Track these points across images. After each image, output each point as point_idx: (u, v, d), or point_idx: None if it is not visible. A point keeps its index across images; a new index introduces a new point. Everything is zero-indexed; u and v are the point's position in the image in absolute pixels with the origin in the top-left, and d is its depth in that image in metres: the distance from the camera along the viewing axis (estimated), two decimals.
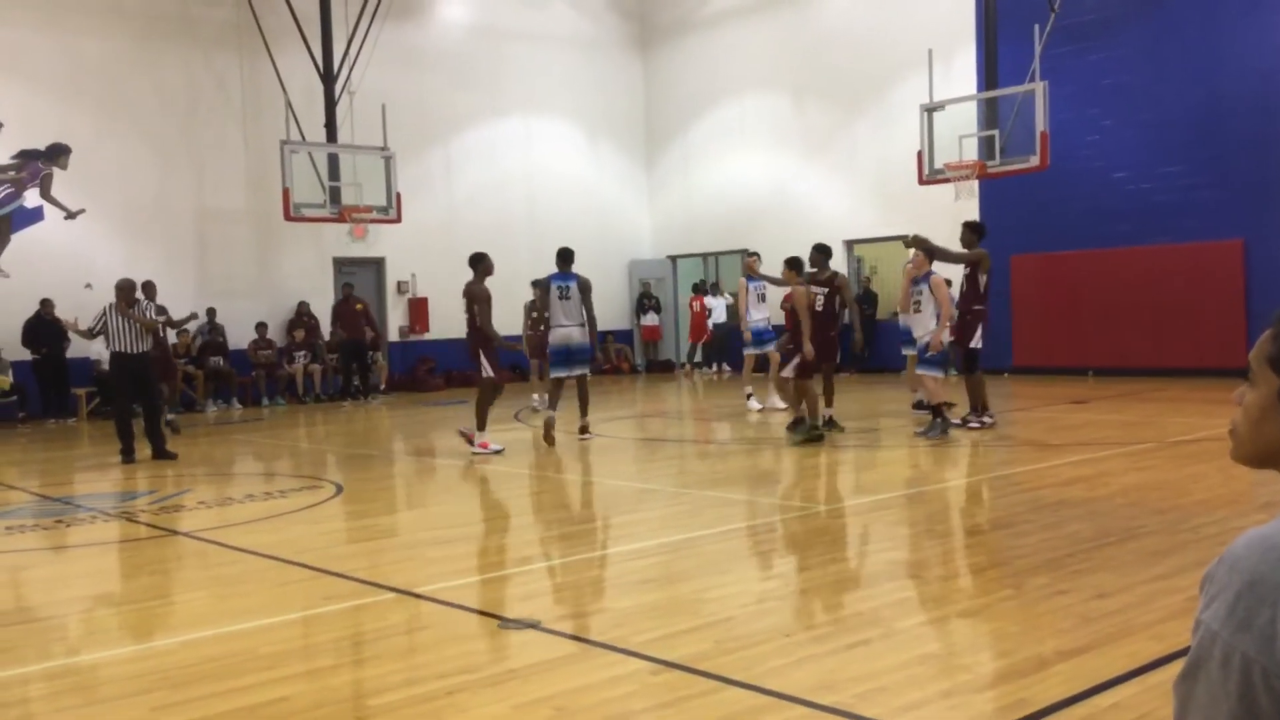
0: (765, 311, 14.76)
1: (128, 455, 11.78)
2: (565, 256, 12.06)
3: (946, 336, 11.32)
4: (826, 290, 11.77)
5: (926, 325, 11.42)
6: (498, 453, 11.40)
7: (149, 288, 16.06)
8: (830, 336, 11.88)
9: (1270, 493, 7.47)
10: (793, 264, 12.00)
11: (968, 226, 12.22)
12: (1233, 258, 16.33)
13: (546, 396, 14.86)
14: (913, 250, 11.90)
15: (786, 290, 12.19)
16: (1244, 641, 1.33)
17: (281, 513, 8.63)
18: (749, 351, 14.75)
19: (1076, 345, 17.91)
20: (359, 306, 19.17)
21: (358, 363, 19.20)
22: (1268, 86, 15.77)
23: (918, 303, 11.58)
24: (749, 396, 14.79)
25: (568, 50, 23.41)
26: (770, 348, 13.98)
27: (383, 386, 20.29)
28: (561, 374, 12.16)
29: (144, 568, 7.14)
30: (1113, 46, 17.34)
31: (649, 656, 4.55)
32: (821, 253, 12.18)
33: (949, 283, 11.78)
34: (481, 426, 11.61)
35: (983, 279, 11.89)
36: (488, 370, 11.64)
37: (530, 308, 15.83)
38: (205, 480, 10.81)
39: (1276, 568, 1.33)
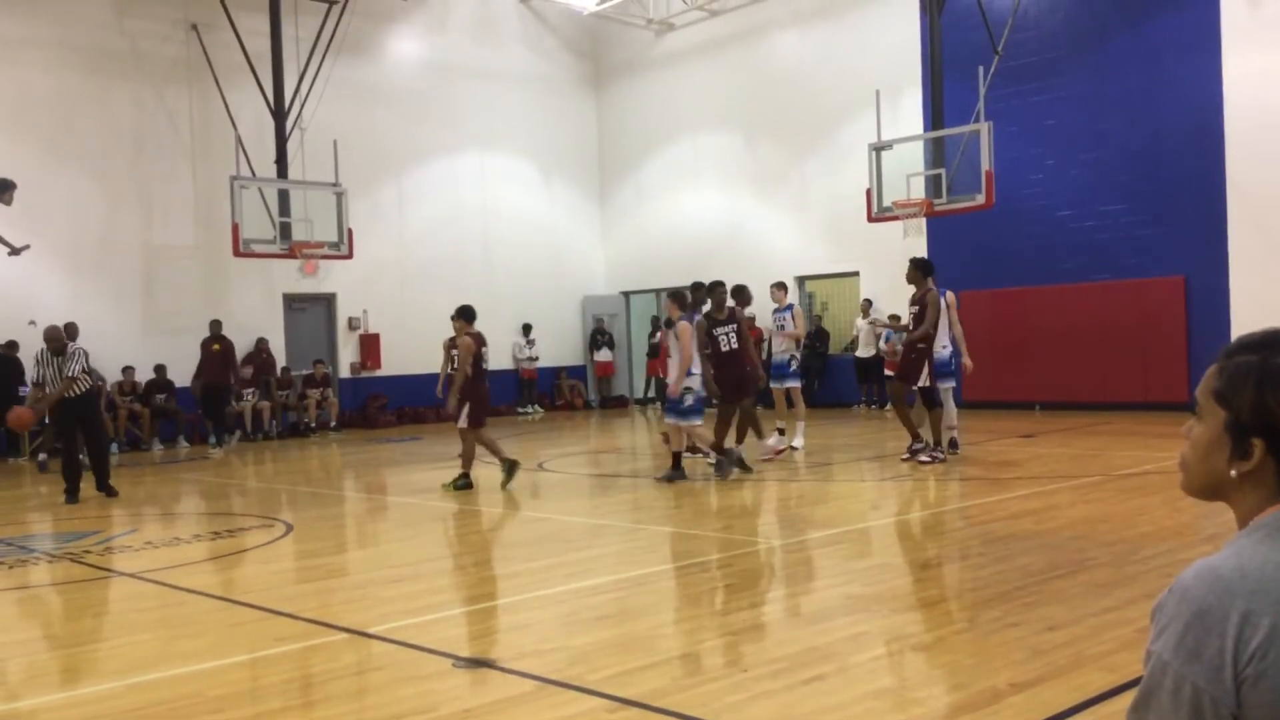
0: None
1: (72, 495, 11.57)
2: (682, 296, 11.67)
3: (695, 384, 11.12)
4: (734, 328, 11.85)
5: (673, 371, 11.32)
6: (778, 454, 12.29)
7: (70, 329, 15.84)
8: (742, 373, 11.90)
9: (1216, 524, 7.61)
10: (463, 313, 11.68)
11: (915, 265, 12.14)
12: (1175, 294, 16.68)
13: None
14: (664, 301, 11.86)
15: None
16: (1194, 671, 1.36)
17: (230, 552, 8.50)
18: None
19: (1024, 380, 18.16)
20: (215, 347, 17.91)
21: (214, 407, 17.72)
22: (1207, 125, 16.18)
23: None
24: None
25: (522, 88, 23.52)
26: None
27: (333, 423, 20.10)
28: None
29: (89, 609, 7.00)
30: (1056, 87, 17.74)
31: (606, 694, 4.53)
32: (738, 294, 12.35)
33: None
34: (760, 434, 12.24)
35: (932, 319, 11.93)
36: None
37: (449, 345, 15.06)
38: (152, 520, 10.62)
39: (1223, 599, 1.37)
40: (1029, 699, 4.29)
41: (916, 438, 11.96)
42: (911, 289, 12.44)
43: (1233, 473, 1.48)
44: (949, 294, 12.49)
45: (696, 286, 12.11)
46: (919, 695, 4.54)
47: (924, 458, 11.84)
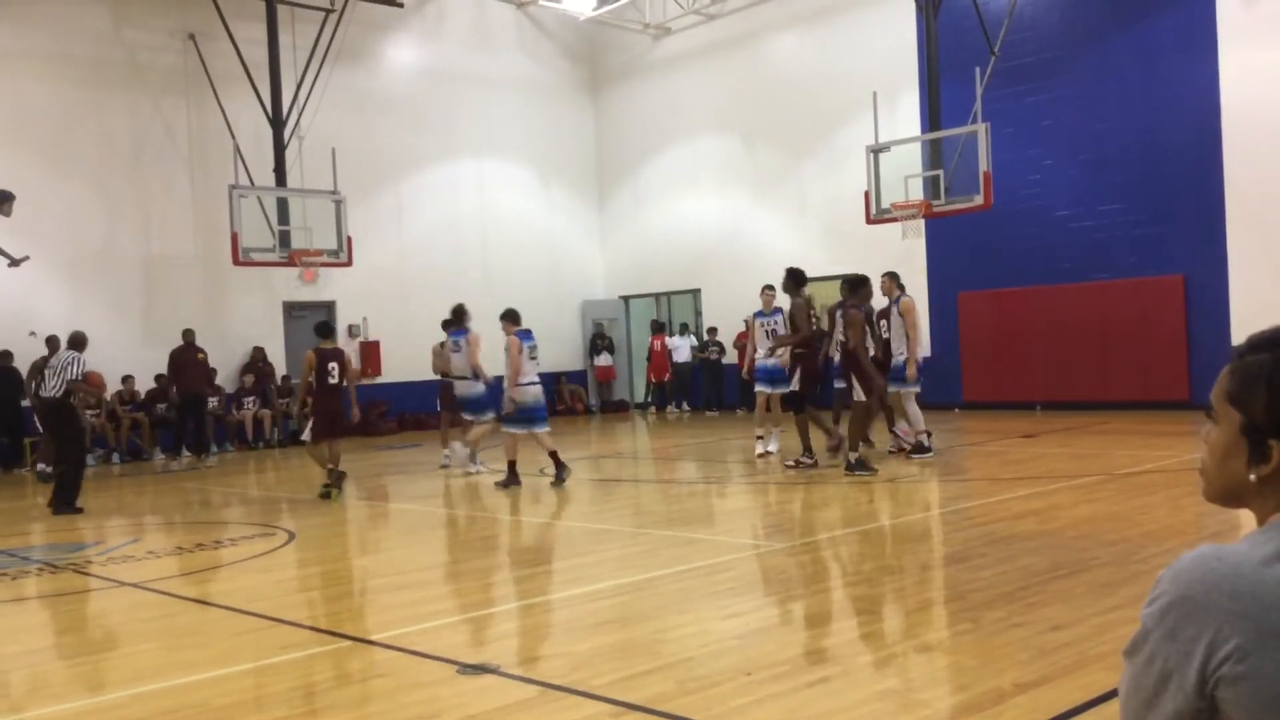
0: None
1: (74, 505, 11.60)
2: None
3: (519, 395, 11.64)
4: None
5: (510, 386, 11.83)
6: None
7: (78, 338, 15.61)
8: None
9: (1218, 522, 7.61)
10: (317, 329, 12.13)
11: (788, 274, 12.55)
12: (1174, 293, 16.69)
13: (453, 451, 14.29)
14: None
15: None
16: (1167, 649, 1.39)
17: (233, 561, 8.50)
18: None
19: (1024, 380, 18.16)
20: (200, 356, 17.75)
21: (194, 418, 17.58)
22: (1204, 124, 16.19)
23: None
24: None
25: (520, 94, 23.54)
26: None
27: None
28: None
29: (92, 620, 7.00)
30: (1052, 88, 17.76)
31: (610, 699, 4.53)
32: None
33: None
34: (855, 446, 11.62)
35: (804, 326, 12.30)
36: (858, 394, 11.68)
37: (439, 350, 14.39)
38: (154, 529, 10.62)
39: (1208, 592, 1.38)
40: (1033, 699, 4.29)
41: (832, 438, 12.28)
42: (913, 291, 12.58)
43: (1251, 477, 1.45)
44: (905, 300, 12.70)
45: (860, 280, 11.98)
46: (923, 697, 4.54)
47: (788, 462, 12.21)
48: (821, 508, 10.20)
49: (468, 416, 13.16)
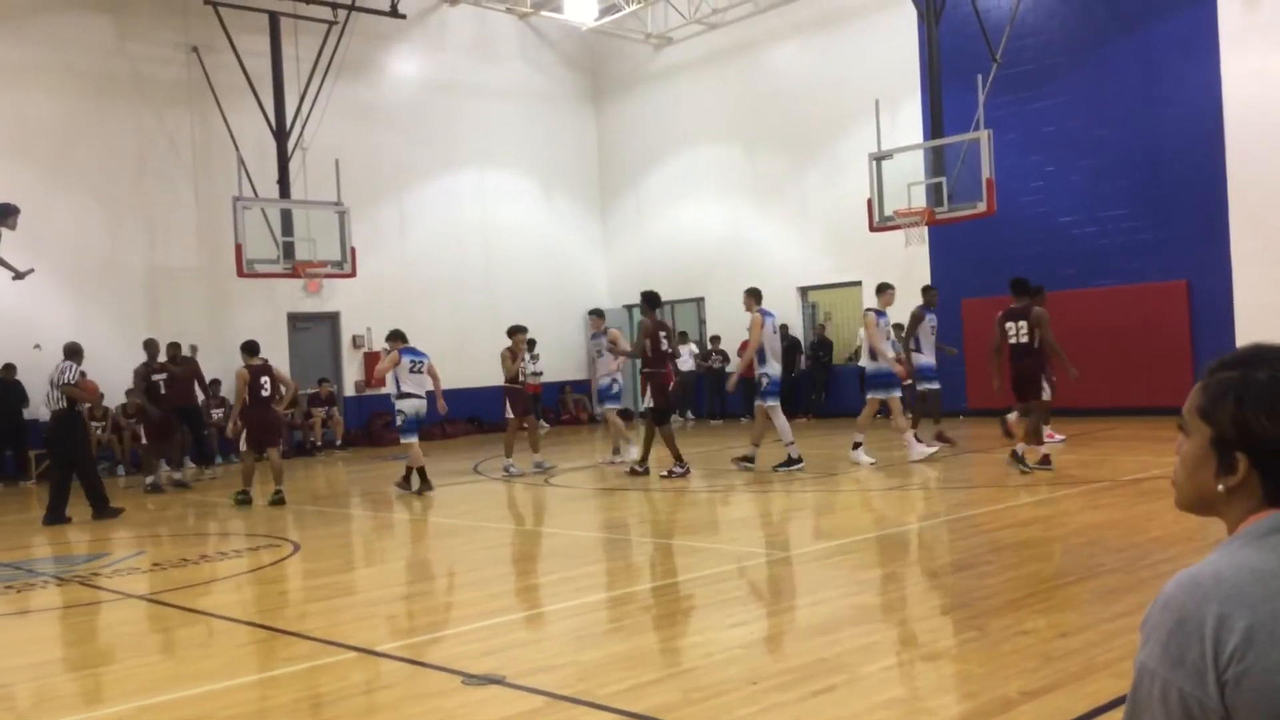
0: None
1: (50, 515, 11.87)
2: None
3: (406, 406, 12.84)
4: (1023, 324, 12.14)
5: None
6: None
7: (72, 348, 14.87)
8: (1024, 370, 12.12)
9: (1223, 529, 7.58)
10: (245, 347, 12.95)
11: (642, 297, 13.39)
12: (1178, 298, 16.66)
13: (519, 460, 14.50)
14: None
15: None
16: (1179, 677, 1.38)
17: (238, 573, 8.49)
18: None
19: None
20: (179, 370, 16.65)
21: (191, 429, 17.02)
22: (1206, 128, 16.18)
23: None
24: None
25: (522, 104, 23.59)
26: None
27: (339, 441, 20.10)
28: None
29: (99, 632, 6.99)
30: (1054, 94, 17.77)
31: (616, 709, 4.52)
32: (1020, 289, 12.42)
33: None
34: (1040, 440, 11.89)
35: (647, 344, 13.02)
36: (1046, 393, 12.00)
37: (510, 356, 14.37)
38: (160, 542, 10.62)
39: (1201, 605, 1.39)
40: (1041, 707, 4.28)
41: (678, 460, 12.82)
42: (914, 299, 12.63)
43: (1220, 487, 1.52)
44: (754, 316, 12.94)
45: (1022, 283, 12.40)
46: (930, 705, 4.52)
47: (627, 464, 13.30)
48: (826, 515, 10.18)
49: (607, 405, 15.14)
